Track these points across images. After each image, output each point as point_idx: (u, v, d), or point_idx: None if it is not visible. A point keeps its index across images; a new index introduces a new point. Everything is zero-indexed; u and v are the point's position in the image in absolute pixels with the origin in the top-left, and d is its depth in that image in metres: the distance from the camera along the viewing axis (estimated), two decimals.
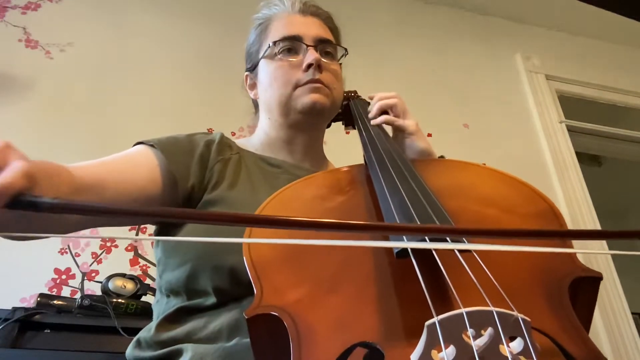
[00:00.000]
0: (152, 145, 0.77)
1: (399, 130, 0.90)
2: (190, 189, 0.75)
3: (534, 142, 2.52)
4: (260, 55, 0.91)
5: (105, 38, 2.18)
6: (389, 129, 0.91)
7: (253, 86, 0.96)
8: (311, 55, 0.85)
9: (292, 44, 0.88)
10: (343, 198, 0.67)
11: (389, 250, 0.50)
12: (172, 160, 0.75)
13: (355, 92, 1.02)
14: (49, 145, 1.83)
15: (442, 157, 0.90)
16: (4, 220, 0.44)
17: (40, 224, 0.57)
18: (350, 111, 0.98)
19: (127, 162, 0.73)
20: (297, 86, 0.85)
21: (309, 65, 0.85)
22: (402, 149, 0.88)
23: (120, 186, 0.69)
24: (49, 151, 1.81)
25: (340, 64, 0.95)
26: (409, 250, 0.46)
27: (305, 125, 0.89)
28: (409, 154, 0.87)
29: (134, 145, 0.79)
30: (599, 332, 2.01)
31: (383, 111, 0.91)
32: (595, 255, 2.19)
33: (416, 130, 0.88)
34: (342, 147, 1.47)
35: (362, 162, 0.80)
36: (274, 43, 0.88)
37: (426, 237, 0.46)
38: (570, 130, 2.62)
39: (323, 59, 0.87)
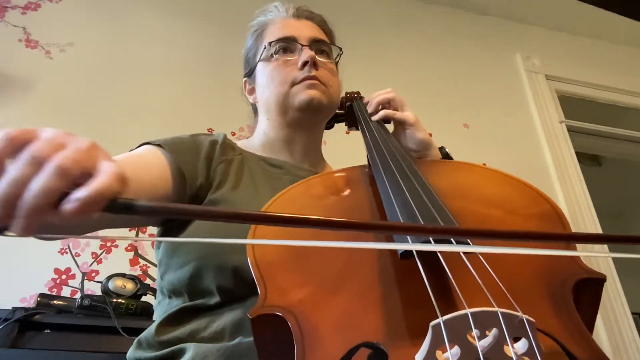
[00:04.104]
0: (159, 145, 0.76)
1: (399, 123, 0.90)
2: (197, 188, 0.75)
3: (534, 142, 2.52)
4: (257, 58, 0.93)
5: (105, 38, 2.18)
6: (389, 126, 0.92)
7: (252, 91, 0.97)
8: (306, 53, 0.87)
9: (287, 44, 0.90)
10: (346, 199, 0.67)
11: (393, 250, 0.50)
12: (180, 160, 0.75)
13: (358, 93, 1.03)
14: None
15: (442, 147, 0.90)
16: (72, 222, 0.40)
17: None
18: (353, 112, 0.98)
19: (139, 162, 0.73)
20: (293, 84, 0.86)
21: (305, 63, 0.86)
22: (403, 140, 0.89)
23: (134, 185, 0.68)
24: None
25: (337, 62, 0.97)
26: (414, 251, 0.46)
27: (303, 123, 0.90)
28: (409, 145, 0.88)
29: (139, 145, 0.78)
30: (599, 332, 2.01)
31: (381, 106, 0.92)
32: (596, 256, 2.19)
33: (415, 121, 0.89)
34: (342, 147, 1.48)
35: (363, 162, 0.80)
36: (270, 44, 0.90)
37: (431, 239, 0.46)
38: (570, 130, 2.62)
39: (318, 58, 0.89)
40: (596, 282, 0.49)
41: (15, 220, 0.35)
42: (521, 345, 0.36)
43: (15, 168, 0.35)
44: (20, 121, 1.86)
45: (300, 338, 0.42)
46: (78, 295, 1.39)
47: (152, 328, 0.71)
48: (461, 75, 2.65)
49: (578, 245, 0.55)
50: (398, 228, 0.37)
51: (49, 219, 0.35)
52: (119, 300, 1.35)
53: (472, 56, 2.75)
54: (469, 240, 0.46)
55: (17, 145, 0.36)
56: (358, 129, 0.95)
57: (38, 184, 0.34)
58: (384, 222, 0.50)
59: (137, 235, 1.74)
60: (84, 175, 0.37)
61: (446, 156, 0.89)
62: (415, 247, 0.45)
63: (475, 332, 0.36)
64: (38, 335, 1.23)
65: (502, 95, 2.66)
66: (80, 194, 0.35)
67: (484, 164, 0.76)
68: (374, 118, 0.90)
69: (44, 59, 2.03)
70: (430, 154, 0.88)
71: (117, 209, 0.36)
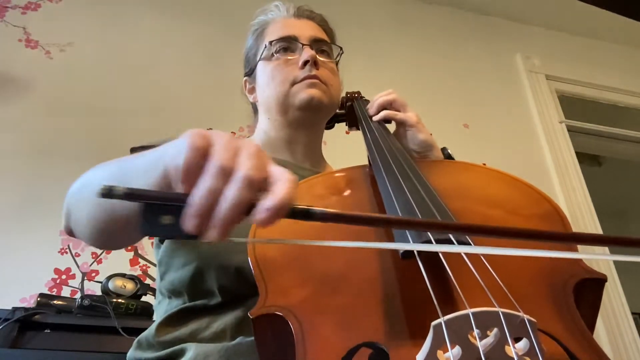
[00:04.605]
0: None
1: (401, 124, 0.89)
2: None
3: (534, 142, 2.52)
4: (258, 57, 0.93)
5: (105, 38, 2.17)
6: (390, 126, 0.92)
7: (252, 90, 0.97)
8: (307, 53, 0.87)
9: (288, 44, 0.90)
10: (347, 199, 0.67)
11: (394, 250, 0.50)
12: None
13: (358, 92, 1.02)
14: (49, 146, 1.83)
15: (444, 148, 0.90)
16: None
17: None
18: (354, 112, 0.98)
19: None
20: (294, 83, 0.86)
21: (305, 62, 0.86)
22: (404, 141, 0.88)
23: None
24: (48, 151, 1.80)
25: (337, 62, 0.97)
26: (415, 251, 0.46)
27: (304, 122, 0.90)
28: (410, 146, 0.87)
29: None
30: (599, 332, 2.01)
31: (383, 108, 0.92)
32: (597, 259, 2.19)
33: (417, 122, 0.88)
34: (342, 147, 1.48)
35: (363, 162, 0.80)
36: (270, 43, 0.90)
37: (432, 239, 0.46)
38: (570, 130, 2.62)
39: (319, 57, 0.89)
40: (597, 282, 0.49)
41: (210, 229, 0.36)
42: (522, 345, 0.36)
43: (206, 180, 0.36)
44: (20, 121, 1.86)
45: (301, 338, 0.42)
46: (78, 295, 1.39)
47: (152, 328, 0.70)
48: (461, 75, 2.65)
49: (579, 246, 0.55)
50: (404, 222, 0.37)
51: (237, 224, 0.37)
52: (119, 300, 1.34)
53: (472, 56, 2.75)
54: (470, 241, 0.46)
55: (202, 155, 0.37)
56: (358, 129, 0.94)
57: (231, 195, 0.36)
58: (394, 217, 0.50)
59: None
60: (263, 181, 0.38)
61: (448, 157, 0.89)
62: (418, 247, 0.45)
63: (476, 332, 0.36)
64: (38, 335, 1.23)
65: (502, 95, 2.66)
66: (269, 203, 0.36)
67: (484, 164, 0.76)
68: (375, 118, 0.90)
69: (44, 59, 2.03)
70: (432, 155, 0.87)
71: (296, 215, 0.37)
